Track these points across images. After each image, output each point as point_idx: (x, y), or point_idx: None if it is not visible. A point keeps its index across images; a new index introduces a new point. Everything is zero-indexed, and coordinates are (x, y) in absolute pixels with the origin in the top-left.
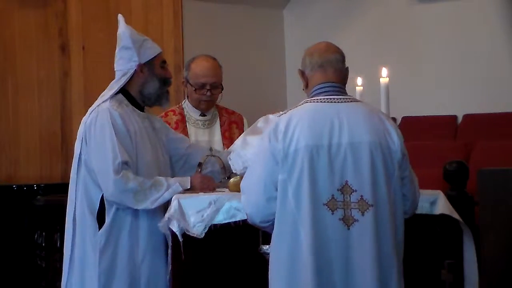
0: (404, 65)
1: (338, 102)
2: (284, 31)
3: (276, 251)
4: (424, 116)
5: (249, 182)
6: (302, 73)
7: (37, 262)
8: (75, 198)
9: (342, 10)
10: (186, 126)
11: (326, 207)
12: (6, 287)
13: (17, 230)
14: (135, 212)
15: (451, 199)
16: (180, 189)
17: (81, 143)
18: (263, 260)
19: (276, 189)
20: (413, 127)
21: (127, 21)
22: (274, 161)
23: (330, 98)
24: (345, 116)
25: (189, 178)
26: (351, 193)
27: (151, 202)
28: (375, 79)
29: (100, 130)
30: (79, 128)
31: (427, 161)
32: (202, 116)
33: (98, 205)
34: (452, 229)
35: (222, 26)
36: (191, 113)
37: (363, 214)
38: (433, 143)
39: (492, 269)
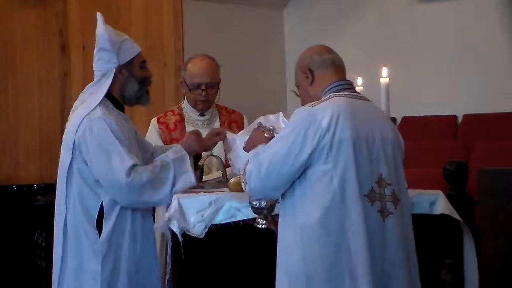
0: (404, 65)
1: (360, 99)
2: (284, 31)
3: (311, 245)
4: (424, 116)
5: (269, 163)
6: (310, 70)
7: (37, 262)
8: (66, 208)
9: (342, 10)
10: (184, 126)
11: (367, 198)
12: (6, 287)
13: (17, 230)
14: (132, 215)
15: (451, 199)
16: (186, 156)
17: (72, 153)
18: (264, 260)
19: (290, 178)
20: (413, 127)
21: (128, 21)
22: (304, 154)
23: (354, 95)
24: (371, 113)
25: (179, 145)
26: (386, 186)
27: (169, 185)
28: (375, 79)
29: (99, 139)
30: (65, 137)
31: (427, 161)
32: (201, 116)
33: (97, 212)
34: (452, 229)
35: (222, 26)
36: (190, 113)
37: (395, 207)
38: (433, 143)
39: (492, 269)
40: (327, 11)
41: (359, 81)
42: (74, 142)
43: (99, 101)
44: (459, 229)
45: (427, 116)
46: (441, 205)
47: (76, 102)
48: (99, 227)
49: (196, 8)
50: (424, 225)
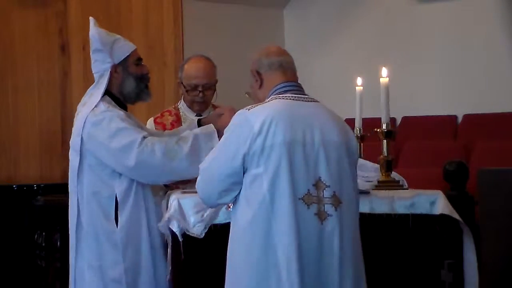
0: (404, 65)
1: (304, 101)
2: (284, 31)
3: (243, 249)
4: (424, 116)
5: (208, 170)
6: (258, 73)
7: (37, 262)
8: (79, 209)
9: (342, 10)
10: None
11: (302, 201)
12: (6, 287)
13: (17, 230)
14: (146, 206)
15: (451, 199)
16: (215, 133)
17: (80, 153)
18: None
19: (233, 183)
20: (413, 127)
21: (128, 21)
22: (238, 158)
23: (297, 97)
24: (314, 115)
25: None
26: (324, 189)
27: (186, 155)
28: (375, 79)
29: (110, 126)
30: (72, 141)
31: (427, 161)
32: (198, 116)
33: (114, 205)
34: (452, 229)
35: (222, 26)
36: (187, 113)
37: (336, 210)
38: (433, 143)
39: (492, 269)
40: (327, 11)
41: (359, 81)
42: (82, 139)
43: (99, 99)
44: (459, 229)
45: (427, 116)
46: (441, 205)
47: (78, 105)
48: (116, 219)
49: (196, 8)
50: (424, 225)
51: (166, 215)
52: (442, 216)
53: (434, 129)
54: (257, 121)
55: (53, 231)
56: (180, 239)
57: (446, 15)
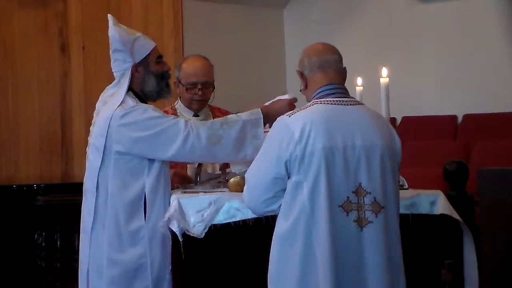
0: (404, 65)
1: (346, 104)
2: (284, 31)
3: (283, 253)
4: (424, 116)
5: (253, 178)
6: (301, 74)
7: (37, 262)
8: (97, 206)
9: (342, 10)
10: None
11: (341, 208)
12: (6, 287)
13: (17, 230)
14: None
15: (451, 199)
16: (260, 120)
17: (104, 153)
18: (264, 260)
19: (277, 190)
20: (413, 127)
21: (128, 21)
22: (280, 165)
23: (339, 101)
24: (356, 119)
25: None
26: (365, 195)
27: (230, 140)
28: (375, 79)
29: (142, 114)
30: (94, 141)
31: (427, 161)
32: (195, 116)
33: (143, 198)
34: (452, 229)
35: (222, 26)
36: (184, 113)
37: (376, 216)
38: (433, 143)
39: (492, 269)
40: (327, 11)
41: (359, 81)
42: (107, 135)
43: (122, 98)
44: (459, 229)
45: (427, 116)
46: (441, 205)
47: (98, 103)
48: (145, 212)
49: (196, 8)
50: (424, 225)
51: (166, 215)
52: (442, 216)
53: (434, 129)
54: (297, 128)
55: (53, 231)
56: (180, 239)
57: (446, 15)
